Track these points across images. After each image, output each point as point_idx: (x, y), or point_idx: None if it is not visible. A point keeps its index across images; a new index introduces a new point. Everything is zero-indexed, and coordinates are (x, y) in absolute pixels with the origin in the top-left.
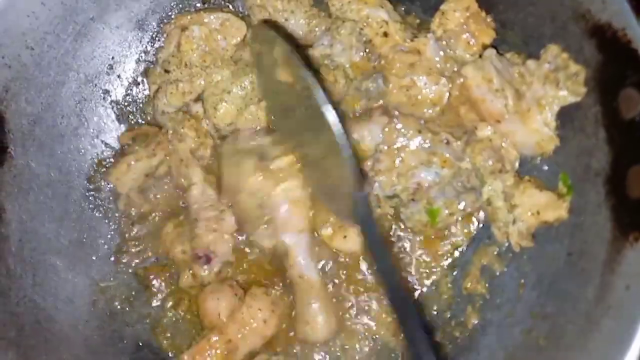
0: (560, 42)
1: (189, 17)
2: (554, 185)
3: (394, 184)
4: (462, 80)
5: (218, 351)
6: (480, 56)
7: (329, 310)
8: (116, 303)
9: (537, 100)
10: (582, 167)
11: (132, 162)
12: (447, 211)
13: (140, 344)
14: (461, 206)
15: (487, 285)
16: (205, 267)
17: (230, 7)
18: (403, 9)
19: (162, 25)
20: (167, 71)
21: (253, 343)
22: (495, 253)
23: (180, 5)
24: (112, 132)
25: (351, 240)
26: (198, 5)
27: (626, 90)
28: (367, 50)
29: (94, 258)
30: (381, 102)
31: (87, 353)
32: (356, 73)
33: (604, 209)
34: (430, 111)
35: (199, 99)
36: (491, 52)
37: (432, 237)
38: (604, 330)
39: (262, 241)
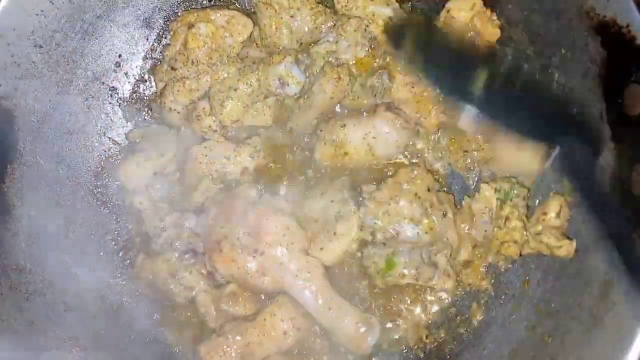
0: (566, 38)
1: (195, 14)
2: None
3: (378, 218)
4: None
5: (234, 353)
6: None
7: None
8: (124, 298)
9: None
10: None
11: (142, 161)
12: (403, 271)
13: (148, 339)
14: (415, 275)
15: (492, 281)
16: (193, 260)
17: (237, 4)
18: (409, 4)
19: (168, 23)
20: (173, 69)
21: (268, 351)
22: None
23: (187, 3)
24: (119, 129)
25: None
26: (204, 2)
27: (631, 87)
28: (373, 47)
29: (102, 254)
30: (386, 99)
31: (95, 347)
32: (361, 70)
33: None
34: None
35: (205, 96)
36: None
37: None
38: (607, 326)
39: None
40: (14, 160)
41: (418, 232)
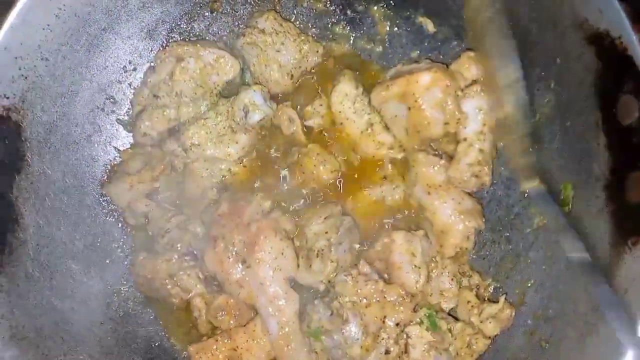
0: (562, 48)
1: (184, 47)
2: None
3: (344, 296)
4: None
5: (221, 355)
6: None
7: None
8: (130, 305)
9: (441, 291)
10: (583, 172)
11: (135, 184)
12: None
13: (153, 345)
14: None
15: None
16: (192, 263)
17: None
18: (407, 14)
19: (171, 35)
20: (156, 96)
21: (255, 357)
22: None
23: (189, 15)
24: (124, 139)
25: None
26: (206, 14)
27: (624, 97)
28: None
29: (107, 262)
30: None
31: (102, 353)
32: None
33: (604, 213)
34: None
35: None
36: (422, 232)
37: None
38: (602, 333)
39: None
40: (22, 170)
41: (357, 339)
